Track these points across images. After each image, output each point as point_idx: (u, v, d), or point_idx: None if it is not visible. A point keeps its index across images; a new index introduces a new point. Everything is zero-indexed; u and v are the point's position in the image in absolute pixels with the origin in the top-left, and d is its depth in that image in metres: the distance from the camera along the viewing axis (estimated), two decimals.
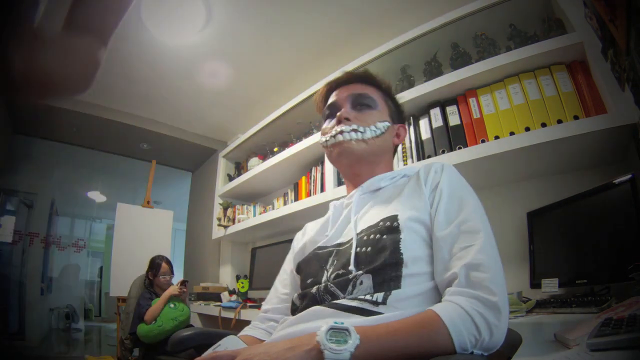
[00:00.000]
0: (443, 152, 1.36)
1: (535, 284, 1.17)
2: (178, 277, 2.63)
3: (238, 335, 0.77)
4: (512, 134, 1.21)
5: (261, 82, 2.50)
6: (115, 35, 0.45)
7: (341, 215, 0.79)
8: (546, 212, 1.22)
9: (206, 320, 2.62)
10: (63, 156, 4.23)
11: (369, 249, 0.64)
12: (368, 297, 0.57)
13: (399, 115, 0.87)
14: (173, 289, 2.24)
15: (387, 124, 0.79)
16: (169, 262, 2.47)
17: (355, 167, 0.79)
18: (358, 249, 0.66)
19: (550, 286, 1.07)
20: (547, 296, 1.11)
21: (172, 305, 2.22)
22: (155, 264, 2.41)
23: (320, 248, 0.75)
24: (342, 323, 0.48)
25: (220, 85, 2.55)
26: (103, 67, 0.44)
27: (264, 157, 2.46)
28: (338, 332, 0.47)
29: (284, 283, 0.86)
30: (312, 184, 1.99)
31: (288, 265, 0.87)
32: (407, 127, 1.12)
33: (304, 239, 0.85)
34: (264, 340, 0.74)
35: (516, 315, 0.93)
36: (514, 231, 1.35)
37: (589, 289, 1.01)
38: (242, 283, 2.49)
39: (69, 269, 6.46)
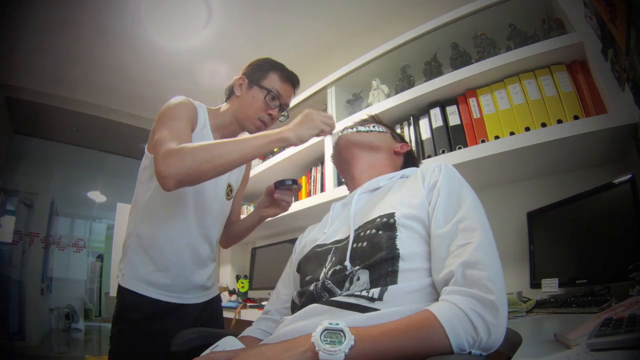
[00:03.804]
0: (443, 152, 1.36)
1: (535, 284, 1.17)
2: None
3: (239, 336, 0.77)
4: (512, 134, 1.21)
5: None
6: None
7: (340, 213, 0.79)
8: (546, 212, 1.22)
9: None
10: (63, 156, 4.23)
11: (364, 244, 0.64)
12: (364, 293, 0.57)
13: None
14: None
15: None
16: None
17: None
18: (354, 245, 0.66)
19: (550, 286, 1.07)
20: (547, 296, 1.11)
21: None
22: None
23: (319, 246, 0.76)
24: (337, 324, 0.48)
25: (220, 85, 2.55)
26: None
27: (264, 157, 2.46)
28: (333, 333, 0.47)
29: (286, 284, 0.87)
30: (312, 184, 1.99)
31: (290, 267, 0.88)
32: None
33: (305, 240, 0.87)
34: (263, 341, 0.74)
35: (516, 315, 0.93)
36: (514, 231, 1.35)
37: (589, 289, 1.01)
38: (242, 283, 2.49)
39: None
